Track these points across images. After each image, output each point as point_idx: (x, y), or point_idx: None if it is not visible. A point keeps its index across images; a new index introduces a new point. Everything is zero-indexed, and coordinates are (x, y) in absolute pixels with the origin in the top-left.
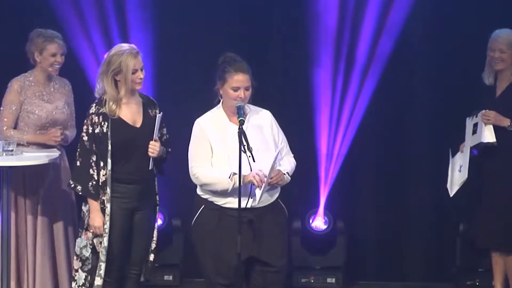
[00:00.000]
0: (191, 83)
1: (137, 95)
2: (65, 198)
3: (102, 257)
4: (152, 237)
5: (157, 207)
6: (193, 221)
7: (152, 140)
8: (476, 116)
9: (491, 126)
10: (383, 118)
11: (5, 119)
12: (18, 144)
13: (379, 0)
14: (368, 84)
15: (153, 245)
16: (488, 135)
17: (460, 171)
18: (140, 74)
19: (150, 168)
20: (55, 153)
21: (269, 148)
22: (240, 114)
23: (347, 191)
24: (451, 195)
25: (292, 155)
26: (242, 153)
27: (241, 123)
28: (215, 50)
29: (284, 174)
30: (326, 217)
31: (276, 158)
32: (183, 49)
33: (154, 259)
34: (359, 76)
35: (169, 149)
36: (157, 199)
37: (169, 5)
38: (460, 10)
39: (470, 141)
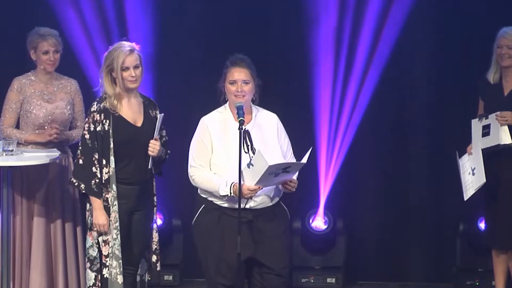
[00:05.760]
0: (191, 83)
1: (138, 96)
2: (67, 198)
3: (119, 254)
4: (151, 238)
5: (155, 208)
6: (193, 221)
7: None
8: (486, 118)
9: (507, 127)
10: (383, 118)
11: (5, 118)
12: (18, 144)
13: (379, 0)
14: (368, 84)
15: (154, 246)
16: (505, 137)
17: (473, 174)
18: (132, 73)
19: (149, 167)
20: (55, 153)
21: (272, 151)
22: (240, 114)
23: (347, 191)
24: (466, 198)
25: (295, 161)
26: (244, 153)
27: (241, 123)
28: (215, 51)
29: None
30: (326, 217)
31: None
32: (183, 49)
33: (156, 260)
34: (359, 76)
35: (168, 151)
36: (155, 200)
37: (169, 4)
38: (460, 10)
39: (480, 143)
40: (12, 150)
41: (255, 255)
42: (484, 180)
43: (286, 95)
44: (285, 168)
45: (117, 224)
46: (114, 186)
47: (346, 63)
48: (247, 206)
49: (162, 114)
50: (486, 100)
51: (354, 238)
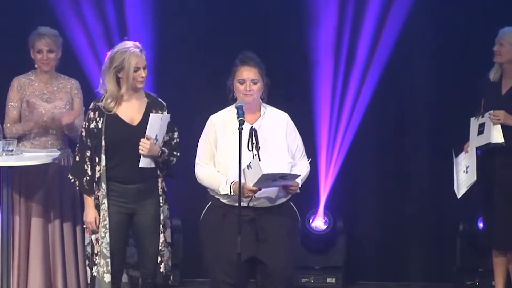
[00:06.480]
0: (191, 84)
1: (143, 95)
2: (66, 197)
3: (107, 253)
4: (158, 240)
5: (161, 209)
6: (200, 217)
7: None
8: (482, 116)
9: (499, 126)
10: (383, 118)
11: (9, 117)
12: (20, 142)
13: (379, 0)
14: (368, 84)
15: (159, 247)
16: (497, 136)
17: (466, 172)
18: (142, 73)
19: (140, 165)
20: (55, 153)
21: (278, 150)
22: (239, 114)
23: (347, 191)
24: (459, 196)
25: (307, 159)
26: (248, 151)
27: (241, 123)
28: (215, 50)
29: (299, 185)
30: (326, 217)
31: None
32: (183, 49)
33: (160, 261)
34: (359, 76)
35: (177, 153)
36: (161, 200)
37: (169, 4)
38: (460, 10)
39: (475, 141)
40: (12, 150)
41: (257, 255)
42: (475, 178)
43: (286, 95)
44: (281, 176)
45: (106, 222)
46: (103, 185)
47: (346, 63)
48: (251, 204)
49: (166, 115)
50: (485, 98)
51: (354, 238)
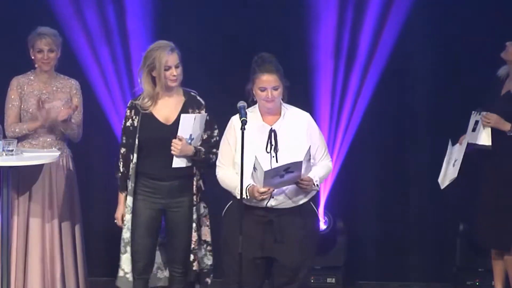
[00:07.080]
0: (192, 83)
1: (181, 94)
2: (66, 196)
3: (122, 248)
4: (187, 238)
5: (194, 208)
6: (222, 213)
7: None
8: (479, 114)
9: (489, 129)
10: (383, 118)
11: (9, 117)
12: (20, 141)
13: (379, 0)
14: (368, 84)
15: (192, 246)
16: (484, 138)
17: (454, 165)
18: (174, 71)
19: (173, 166)
20: (55, 153)
21: (298, 150)
22: (242, 114)
23: (347, 191)
24: (442, 187)
25: (330, 159)
26: (266, 153)
27: (244, 123)
28: (215, 50)
29: (314, 183)
30: (326, 217)
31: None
32: (182, 49)
33: (194, 259)
34: (359, 76)
35: (216, 151)
36: (194, 198)
37: (169, 4)
38: (460, 10)
39: (469, 136)
40: (12, 150)
41: (272, 254)
42: (456, 175)
43: (286, 95)
44: (285, 169)
45: (126, 219)
46: (130, 183)
47: (346, 63)
48: (268, 205)
49: (206, 113)
50: (487, 95)
51: (354, 238)
